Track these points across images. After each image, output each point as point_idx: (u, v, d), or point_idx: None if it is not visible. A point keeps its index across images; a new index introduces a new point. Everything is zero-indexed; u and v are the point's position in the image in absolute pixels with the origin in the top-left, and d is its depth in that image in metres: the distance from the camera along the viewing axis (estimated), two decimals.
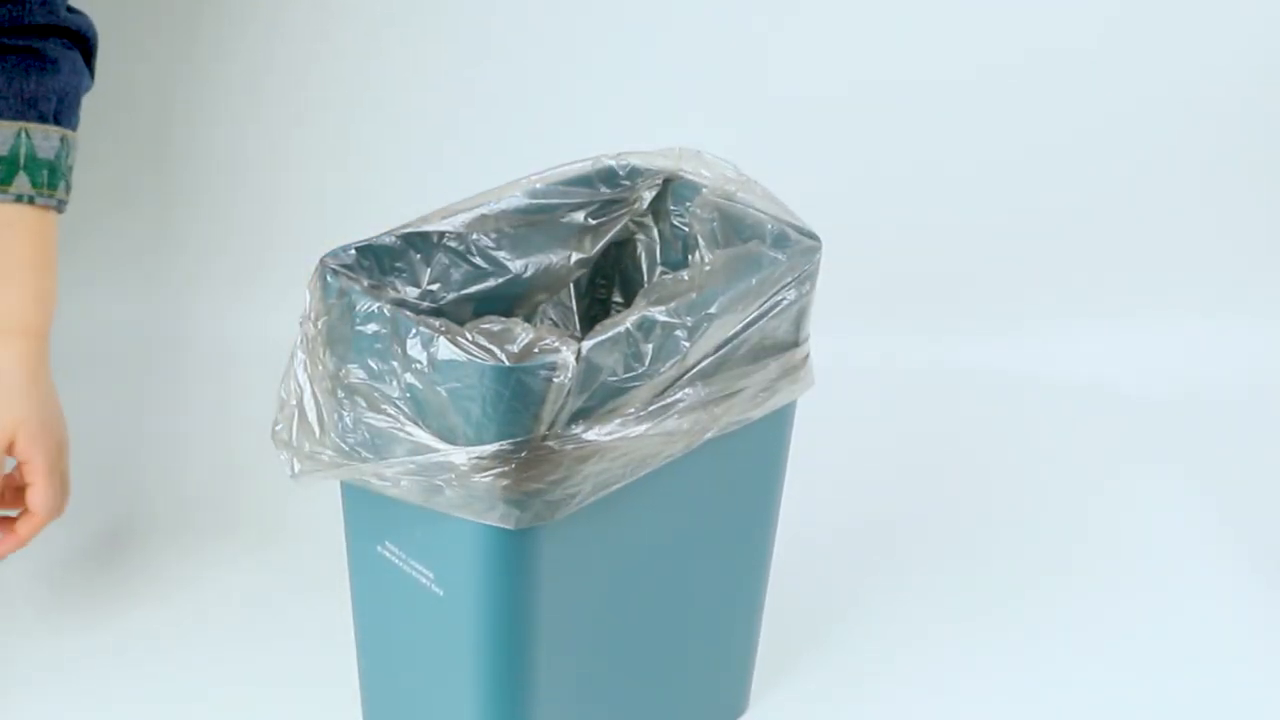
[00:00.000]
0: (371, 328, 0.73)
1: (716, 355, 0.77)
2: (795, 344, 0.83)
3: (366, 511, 0.82)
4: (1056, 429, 1.37)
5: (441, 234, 0.85)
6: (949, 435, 1.36)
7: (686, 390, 0.76)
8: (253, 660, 1.03)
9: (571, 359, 0.69)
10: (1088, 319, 1.49)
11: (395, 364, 0.71)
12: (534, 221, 0.89)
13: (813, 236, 0.83)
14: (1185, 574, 1.17)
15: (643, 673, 0.89)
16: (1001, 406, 1.40)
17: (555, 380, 0.68)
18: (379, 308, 0.73)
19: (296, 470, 0.77)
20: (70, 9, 0.97)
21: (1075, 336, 1.48)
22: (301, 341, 0.77)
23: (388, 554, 0.81)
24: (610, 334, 0.71)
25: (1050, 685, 1.04)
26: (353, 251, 0.80)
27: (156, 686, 1.00)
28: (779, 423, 0.87)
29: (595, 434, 0.72)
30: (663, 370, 0.74)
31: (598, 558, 0.79)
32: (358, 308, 0.74)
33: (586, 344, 0.70)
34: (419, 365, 0.70)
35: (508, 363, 0.68)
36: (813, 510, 1.18)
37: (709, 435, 0.79)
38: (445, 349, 0.69)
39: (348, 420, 0.74)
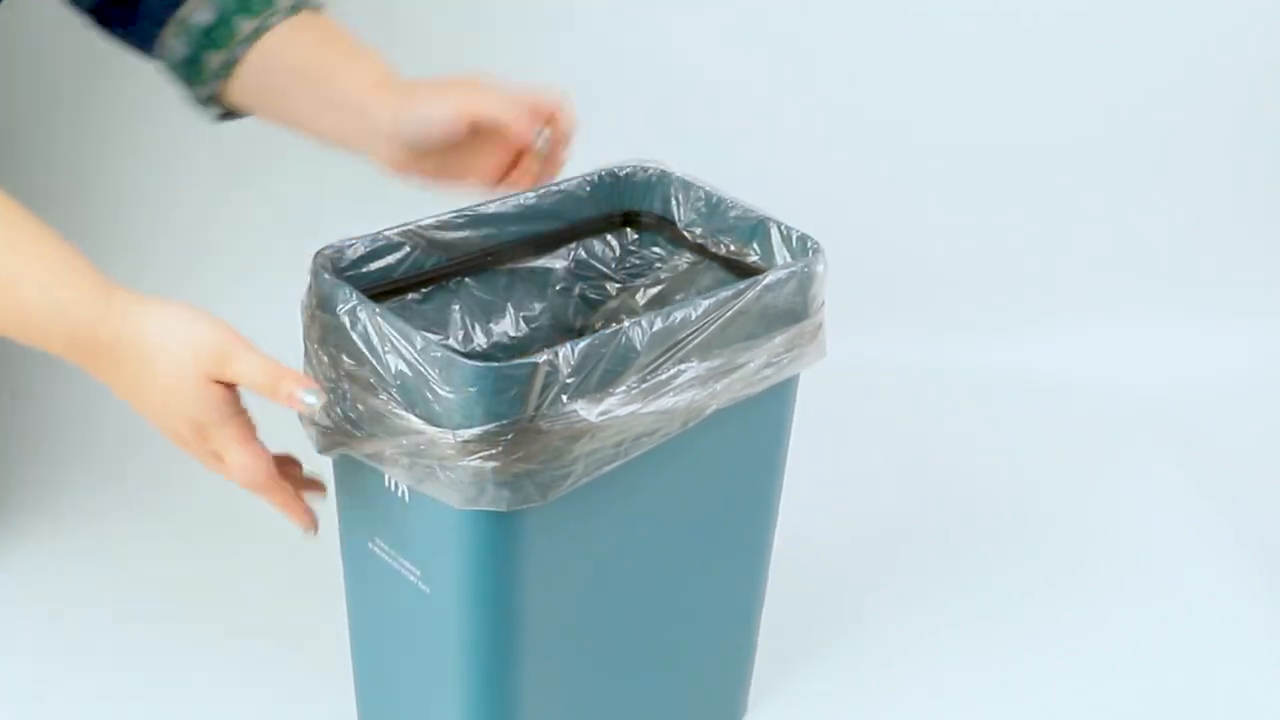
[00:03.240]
0: (360, 320, 0.73)
1: (710, 329, 0.76)
2: (805, 315, 0.82)
3: (358, 508, 0.82)
4: (1057, 429, 1.37)
5: (441, 240, 0.86)
6: (949, 435, 1.35)
7: (682, 365, 0.75)
8: (248, 655, 1.03)
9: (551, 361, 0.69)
10: (1090, 319, 1.49)
11: (384, 355, 0.72)
12: (530, 273, 0.91)
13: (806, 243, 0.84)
14: (1186, 575, 1.16)
15: (637, 673, 0.88)
16: (1002, 407, 1.40)
17: (540, 362, 0.69)
18: (361, 304, 0.73)
19: (318, 447, 0.77)
20: None
21: (1077, 337, 1.48)
22: (304, 330, 0.78)
23: (378, 550, 0.81)
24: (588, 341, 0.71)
25: (1051, 687, 1.04)
26: (348, 246, 0.82)
27: (154, 681, 1.01)
28: (780, 399, 0.85)
29: (587, 413, 0.71)
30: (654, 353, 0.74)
31: (589, 546, 0.79)
32: (344, 303, 0.74)
33: (562, 350, 0.70)
34: (402, 359, 0.71)
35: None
36: (812, 512, 1.17)
37: (708, 412, 0.77)
38: (420, 351, 0.70)
39: (348, 402, 0.74)
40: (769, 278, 0.78)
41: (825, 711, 1.01)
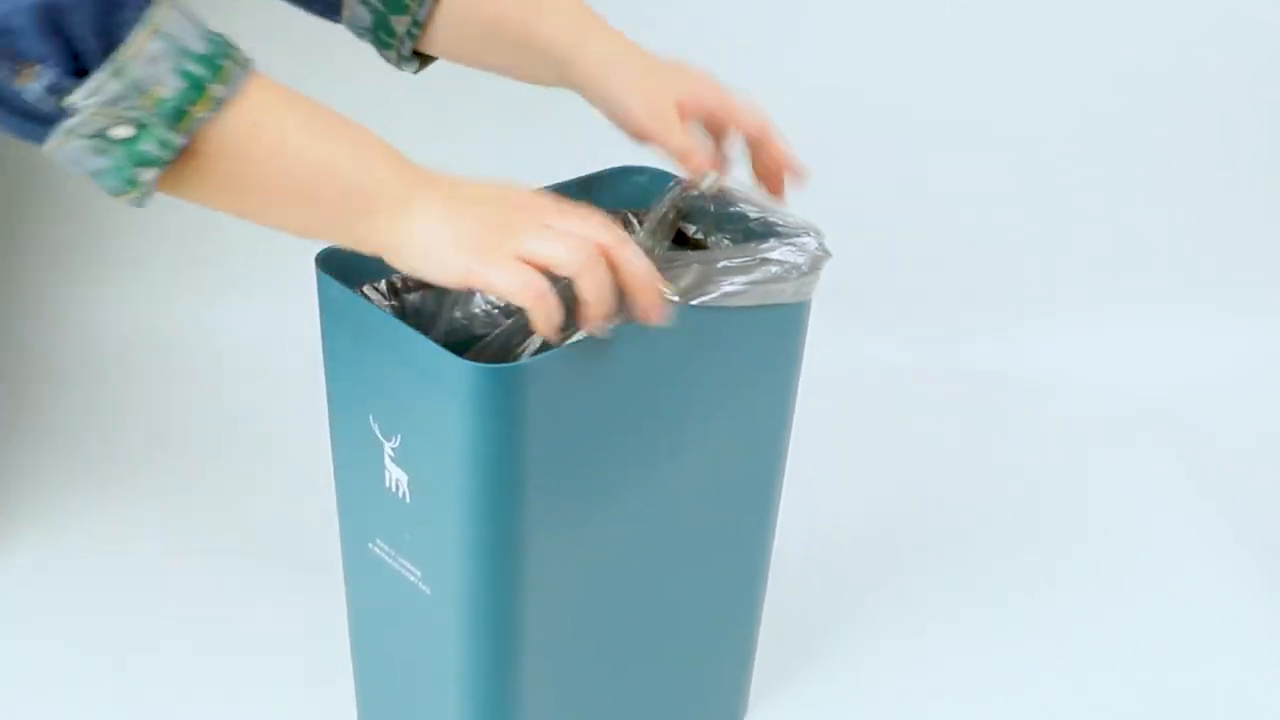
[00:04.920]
0: None
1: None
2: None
3: (358, 509, 0.83)
4: (1057, 429, 1.37)
5: None
6: (949, 435, 1.35)
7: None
8: (249, 655, 1.03)
9: None
10: (1089, 319, 1.49)
11: None
12: None
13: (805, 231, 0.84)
14: (1186, 575, 1.16)
15: (637, 674, 0.88)
16: (1002, 407, 1.40)
17: None
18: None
19: None
20: None
21: (1077, 337, 1.48)
22: None
23: (378, 551, 0.81)
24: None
25: (1051, 687, 1.04)
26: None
27: (154, 680, 1.01)
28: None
29: None
30: None
31: (589, 541, 0.79)
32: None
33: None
34: None
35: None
36: (813, 511, 1.17)
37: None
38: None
39: None
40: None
41: (825, 711, 1.01)
